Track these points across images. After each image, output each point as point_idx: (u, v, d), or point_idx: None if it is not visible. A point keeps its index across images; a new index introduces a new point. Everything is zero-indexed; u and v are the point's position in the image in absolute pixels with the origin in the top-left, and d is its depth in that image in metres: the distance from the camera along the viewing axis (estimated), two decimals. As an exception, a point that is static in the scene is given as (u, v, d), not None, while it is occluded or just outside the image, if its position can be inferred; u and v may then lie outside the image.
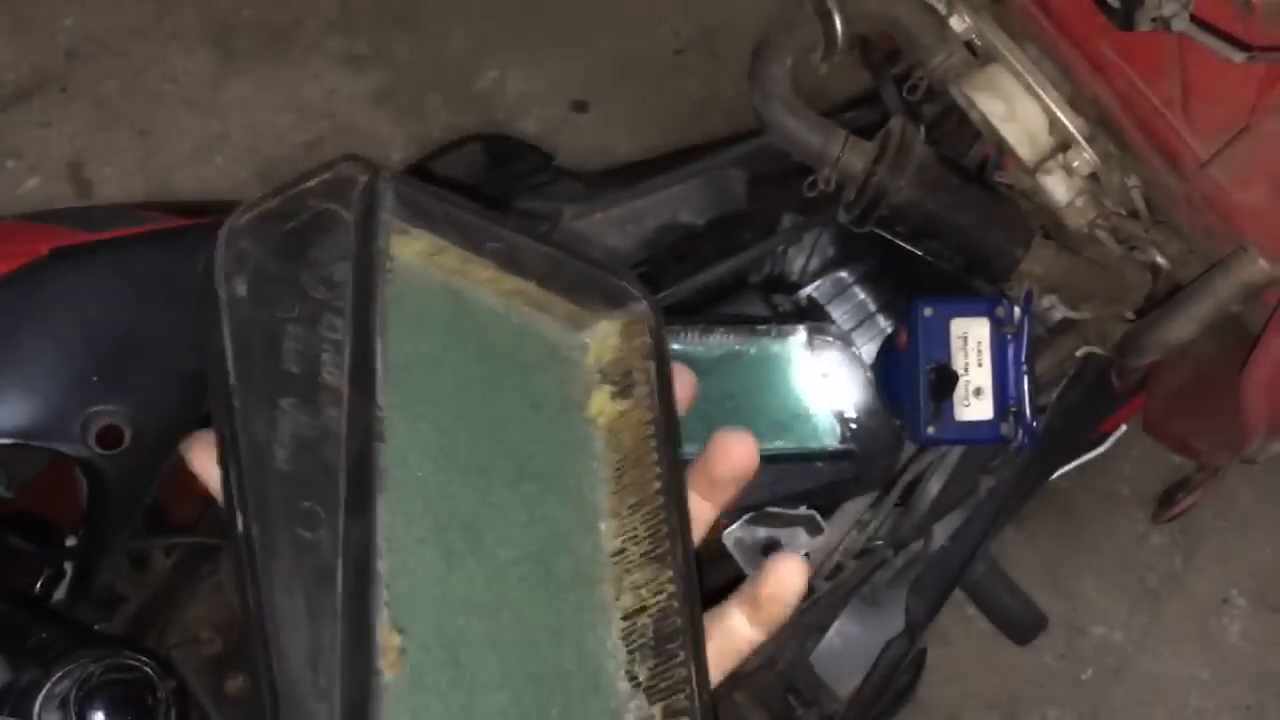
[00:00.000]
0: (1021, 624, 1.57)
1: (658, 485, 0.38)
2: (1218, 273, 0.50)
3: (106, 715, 0.53)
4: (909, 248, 0.61)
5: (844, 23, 0.61)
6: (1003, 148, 0.59)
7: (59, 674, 0.53)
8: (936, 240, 0.60)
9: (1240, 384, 0.48)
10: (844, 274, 1.03)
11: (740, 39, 0.89)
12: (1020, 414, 0.65)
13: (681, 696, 0.37)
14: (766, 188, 1.15)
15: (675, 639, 0.38)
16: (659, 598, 0.39)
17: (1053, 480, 2.13)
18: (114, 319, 0.70)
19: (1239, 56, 0.39)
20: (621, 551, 0.39)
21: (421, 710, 0.34)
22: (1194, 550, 2.08)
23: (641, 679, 0.38)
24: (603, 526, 0.40)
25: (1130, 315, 0.62)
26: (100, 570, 0.69)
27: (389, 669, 0.33)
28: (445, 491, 0.37)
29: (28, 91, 2.10)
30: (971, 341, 0.65)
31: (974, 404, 0.65)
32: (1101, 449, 1.45)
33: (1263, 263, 0.49)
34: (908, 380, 0.66)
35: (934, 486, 1.01)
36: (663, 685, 0.38)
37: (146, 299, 0.71)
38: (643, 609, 0.39)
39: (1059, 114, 0.56)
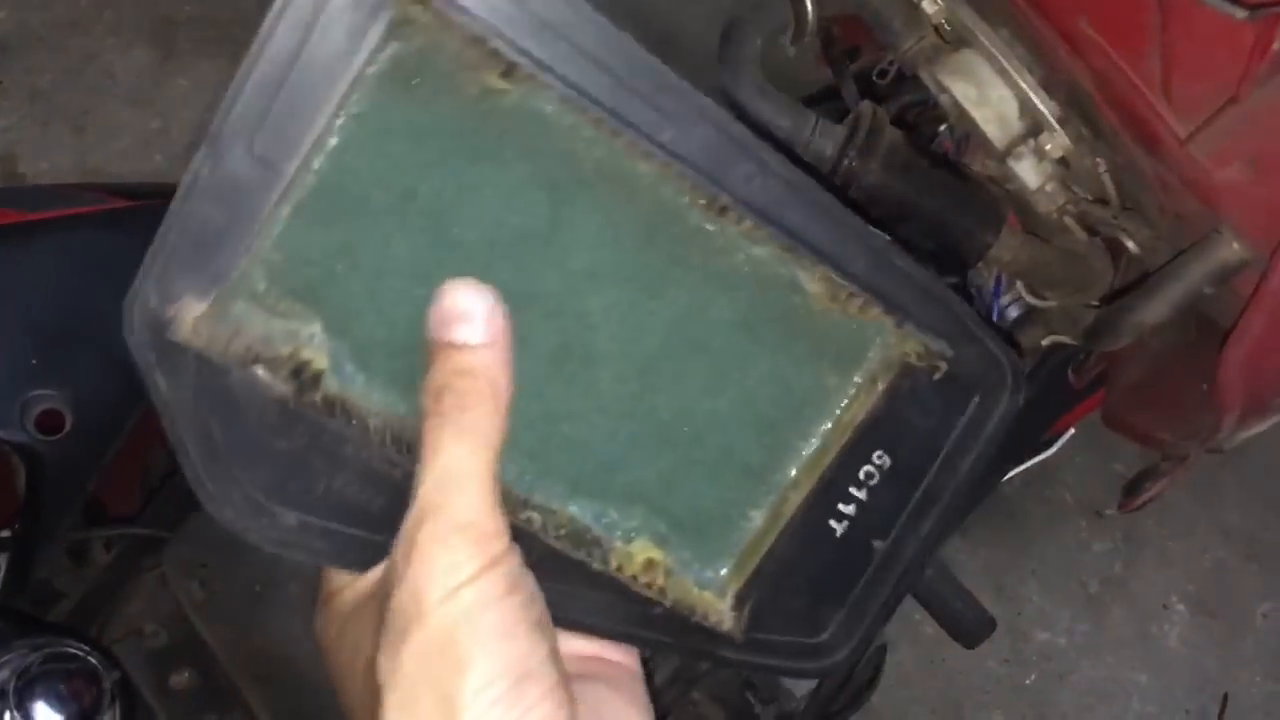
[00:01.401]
0: (970, 628, 1.58)
1: None
2: (1192, 255, 0.50)
3: (47, 705, 0.50)
4: (886, 231, 0.60)
5: (814, 4, 0.60)
6: (973, 132, 0.58)
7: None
8: (907, 224, 0.59)
9: (1218, 362, 0.48)
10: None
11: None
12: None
13: None
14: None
15: None
16: None
17: (998, 487, 2.15)
18: (53, 302, 0.68)
19: (1240, 14, 0.39)
20: None
21: None
22: (1135, 557, 2.11)
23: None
24: None
25: (1094, 303, 0.62)
26: (38, 563, 0.67)
27: None
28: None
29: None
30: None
31: (940, 391, 0.64)
32: (1050, 452, 1.46)
33: (1236, 245, 0.49)
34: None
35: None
36: None
37: (87, 281, 0.69)
38: None
39: (1031, 97, 0.56)
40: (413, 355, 0.42)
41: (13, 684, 0.50)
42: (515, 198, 0.43)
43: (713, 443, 0.47)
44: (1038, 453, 1.46)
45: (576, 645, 0.48)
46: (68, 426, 0.66)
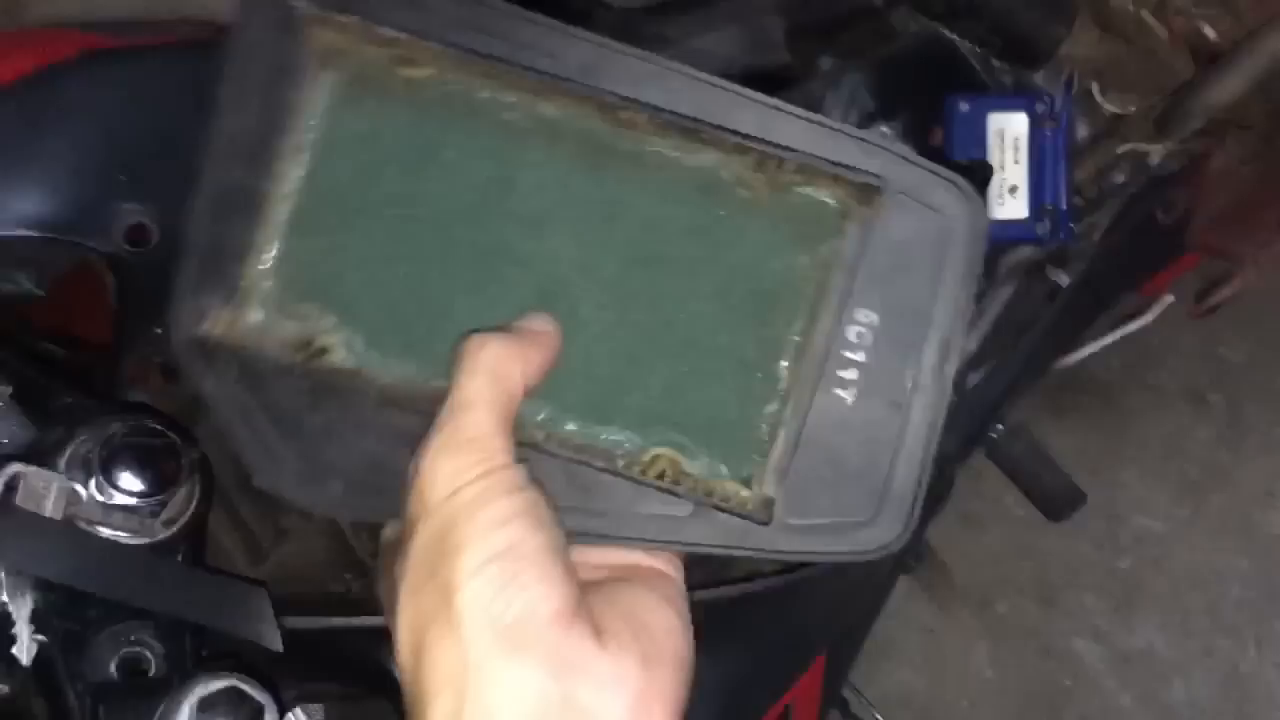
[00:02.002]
0: (1058, 500, 1.56)
1: None
2: (1269, 27, 0.48)
3: (130, 473, 0.53)
4: (946, 32, 0.59)
5: None
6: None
7: (83, 435, 0.54)
8: (973, 20, 0.58)
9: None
10: (884, 128, 1.01)
11: None
12: (1056, 211, 0.63)
13: None
14: (806, 38, 1.12)
15: None
16: None
17: (1097, 370, 2.10)
18: (140, 122, 0.70)
19: None
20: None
21: None
22: (1239, 444, 2.06)
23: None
24: None
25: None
26: (125, 372, 0.70)
27: None
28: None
29: None
30: (1008, 137, 0.63)
31: (1008, 202, 0.63)
32: (1145, 320, 1.42)
33: (1315, 14, 0.47)
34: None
35: (970, 344, 0.99)
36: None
37: (169, 105, 0.71)
38: None
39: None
40: (414, 327, 0.49)
41: (98, 452, 0.53)
42: (462, 168, 0.49)
43: (705, 347, 0.49)
44: (1132, 318, 1.43)
45: (613, 556, 0.50)
46: (154, 239, 0.69)
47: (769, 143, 0.47)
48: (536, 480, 0.45)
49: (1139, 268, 1.02)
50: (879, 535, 0.49)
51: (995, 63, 0.61)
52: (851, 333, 0.48)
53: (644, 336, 0.49)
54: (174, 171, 0.72)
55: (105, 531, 0.52)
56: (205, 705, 0.44)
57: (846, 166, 0.47)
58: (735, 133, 0.47)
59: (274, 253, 0.50)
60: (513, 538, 0.43)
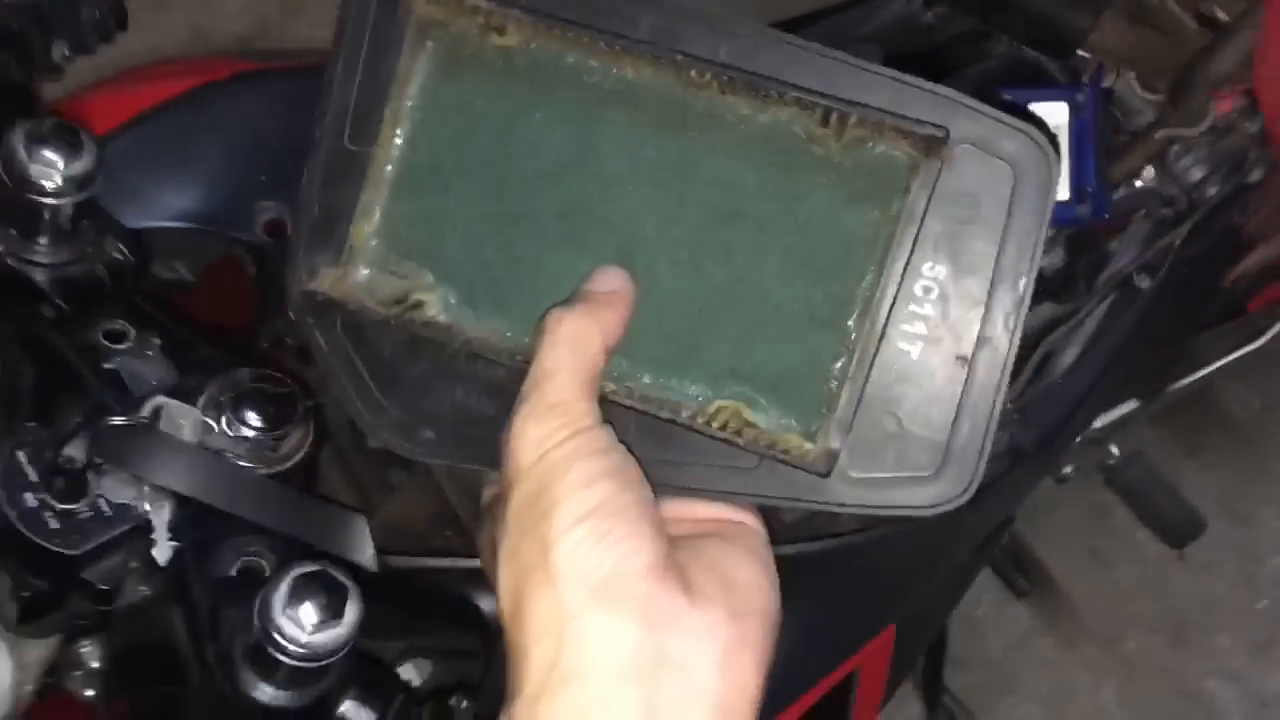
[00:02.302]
0: (1179, 527, 1.55)
1: None
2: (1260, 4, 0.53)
3: (253, 412, 0.62)
4: (982, 24, 0.64)
5: None
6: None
7: (219, 380, 0.63)
8: (1004, 13, 0.64)
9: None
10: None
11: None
12: (1092, 192, 0.67)
13: None
14: (906, 63, 1.17)
15: None
16: None
17: (1232, 408, 2.06)
18: (277, 130, 0.81)
19: None
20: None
21: None
22: (1385, 486, 1.98)
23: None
24: None
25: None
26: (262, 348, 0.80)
27: None
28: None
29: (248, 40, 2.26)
30: (1050, 126, 0.68)
31: (1049, 185, 0.68)
32: (1260, 342, 1.42)
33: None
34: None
35: (1069, 357, 1.03)
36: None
37: (304, 116, 0.81)
38: None
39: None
40: (503, 284, 0.53)
41: (229, 394, 0.62)
42: (548, 133, 0.52)
43: (776, 303, 0.50)
44: (1247, 339, 1.42)
45: (697, 510, 0.51)
46: (289, 231, 0.79)
47: (831, 96, 0.47)
48: (619, 442, 0.48)
49: (1221, 267, 1.03)
50: (942, 491, 0.48)
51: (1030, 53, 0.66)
52: (918, 286, 0.48)
53: (717, 292, 0.50)
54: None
55: (231, 458, 0.61)
56: (298, 586, 0.51)
57: (909, 119, 0.46)
58: (797, 87, 0.48)
59: (378, 215, 0.54)
60: (602, 495, 0.45)
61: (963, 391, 0.48)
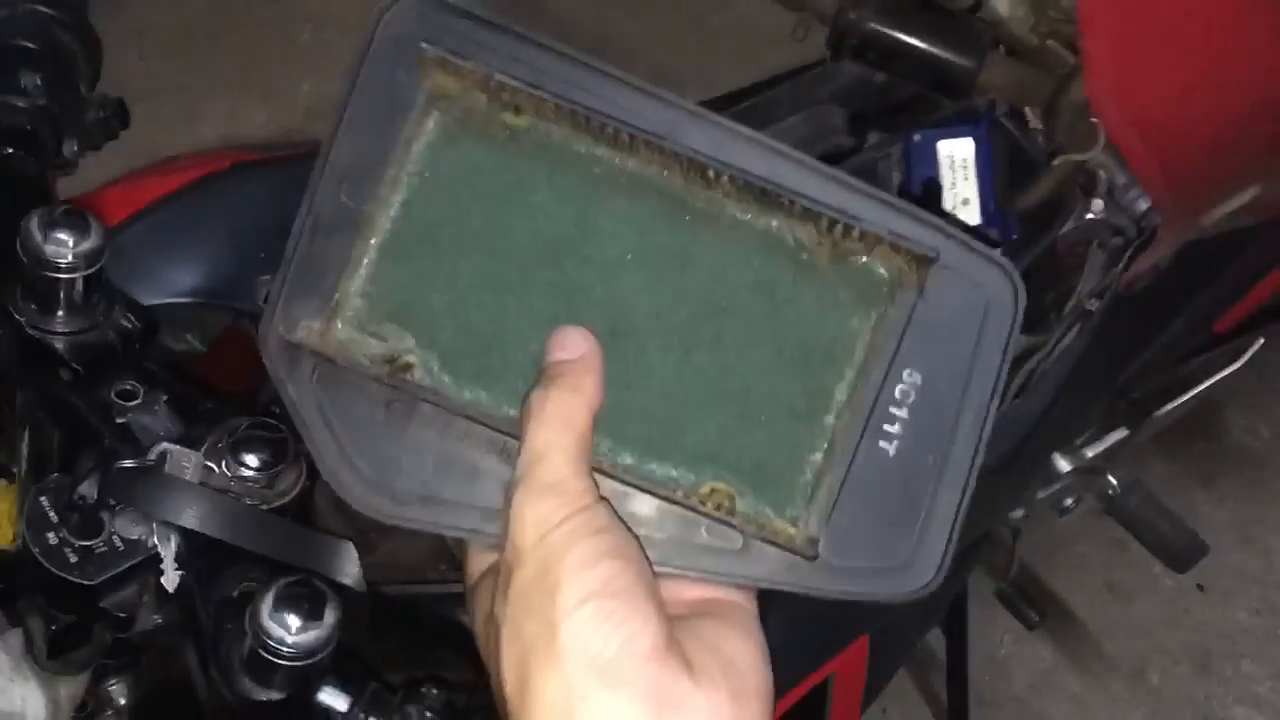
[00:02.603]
0: (1181, 551, 1.58)
1: None
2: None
3: (251, 454, 0.70)
4: (884, 72, 0.72)
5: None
6: (951, -25, 0.70)
7: (219, 430, 0.71)
8: (902, 63, 0.71)
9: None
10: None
11: None
12: (993, 213, 0.74)
13: None
14: (866, 122, 1.25)
15: None
16: None
17: (1243, 439, 2.09)
18: (275, 211, 0.89)
19: None
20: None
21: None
22: (1401, 507, 2.00)
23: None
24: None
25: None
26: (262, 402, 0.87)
27: None
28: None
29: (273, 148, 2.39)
30: (957, 160, 0.75)
31: (963, 211, 0.75)
32: (1238, 364, 1.46)
33: None
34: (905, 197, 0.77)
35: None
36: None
37: (300, 198, 0.91)
38: None
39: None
40: (488, 356, 0.53)
41: (227, 440, 0.70)
42: (549, 212, 0.53)
43: (759, 394, 0.53)
44: (1228, 363, 1.47)
45: (691, 592, 0.52)
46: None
47: (837, 209, 0.51)
48: (616, 518, 0.49)
49: (1176, 292, 1.09)
50: (913, 580, 0.51)
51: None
52: (897, 390, 0.52)
53: (703, 381, 0.53)
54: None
55: (231, 496, 0.68)
56: (282, 594, 0.58)
57: (905, 237, 0.51)
58: (806, 197, 0.51)
59: (366, 274, 0.54)
60: (605, 575, 0.46)
61: (934, 490, 0.52)
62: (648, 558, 0.49)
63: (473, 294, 0.53)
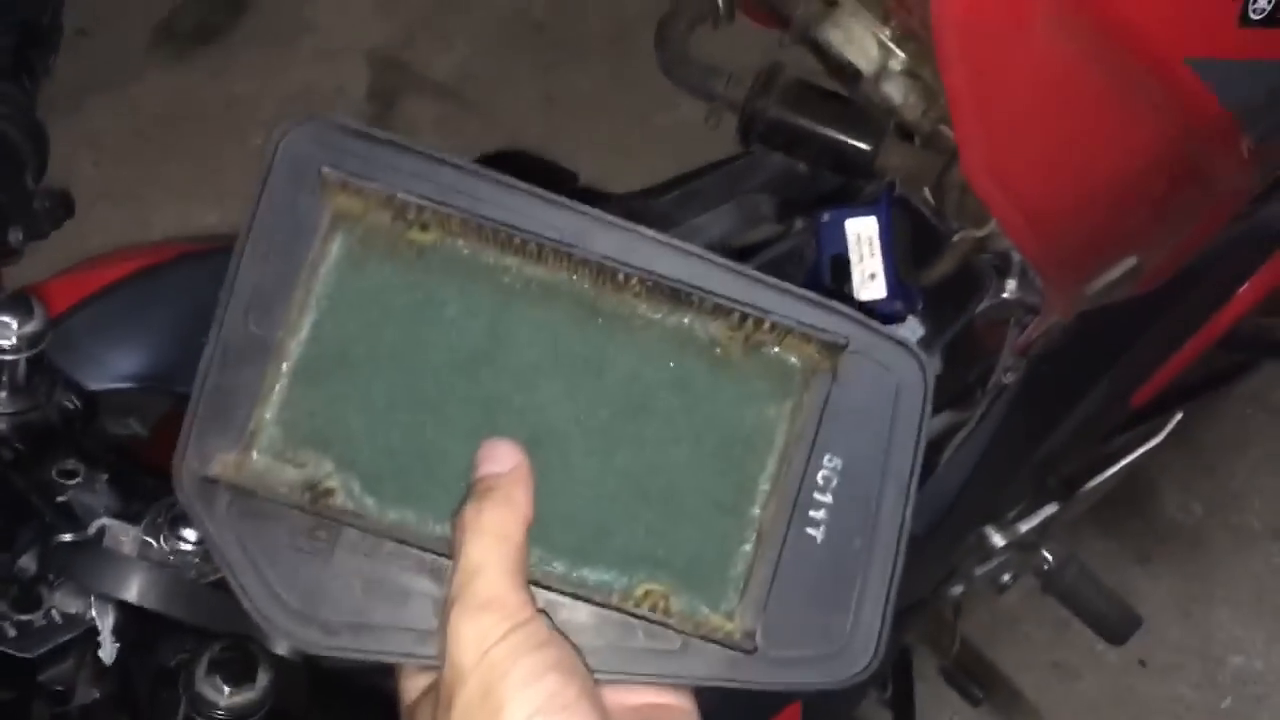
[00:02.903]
0: (1116, 624, 1.61)
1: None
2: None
3: (188, 529, 0.72)
4: (789, 156, 0.77)
5: (728, -7, 0.79)
6: (848, 67, 0.75)
7: (157, 506, 0.73)
8: (806, 148, 0.76)
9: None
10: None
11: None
12: (899, 287, 0.79)
13: None
14: (795, 209, 1.31)
15: None
16: None
17: (1177, 516, 2.14)
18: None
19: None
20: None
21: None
22: (1333, 578, 2.05)
23: None
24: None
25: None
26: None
27: None
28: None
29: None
30: (864, 237, 0.80)
31: (869, 286, 0.79)
32: (1157, 440, 1.51)
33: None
34: (814, 275, 0.82)
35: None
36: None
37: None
38: None
39: (881, 33, 0.73)
40: (413, 473, 0.52)
41: (165, 515, 0.72)
42: (462, 325, 0.53)
43: (684, 491, 0.53)
44: (1148, 438, 1.52)
45: (631, 697, 0.51)
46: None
47: (747, 304, 0.52)
48: (555, 629, 0.48)
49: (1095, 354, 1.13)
50: (850, 664, 0.52)
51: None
52: (819, 477, 0.52)
53: (628, 482, 0.53)
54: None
55: (170, 569, 0.70)
56: (215, 659, 0.60)
57: (815, 327, 0.52)
58: (716, 295, 0.52)
59: (279, 400, 0.52)
60: (550, 689, 0.46)
61: (863, 573, 0.52)
62: (589, 667, 0.49)
63: (390, 413, 0.52)
